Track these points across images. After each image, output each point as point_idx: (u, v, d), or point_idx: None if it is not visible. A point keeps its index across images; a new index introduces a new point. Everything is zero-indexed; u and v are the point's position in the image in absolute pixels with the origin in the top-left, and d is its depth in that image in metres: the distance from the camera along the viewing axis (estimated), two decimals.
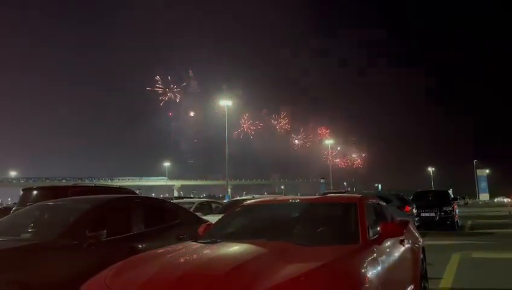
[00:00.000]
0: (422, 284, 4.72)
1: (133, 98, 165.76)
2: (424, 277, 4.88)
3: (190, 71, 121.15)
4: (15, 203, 13.36)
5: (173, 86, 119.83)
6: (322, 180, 78.04)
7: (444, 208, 15.35)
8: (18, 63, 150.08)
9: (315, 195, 8.20)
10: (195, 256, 3.11)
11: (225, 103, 43.53)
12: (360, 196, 4.21)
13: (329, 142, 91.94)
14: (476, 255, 8.71)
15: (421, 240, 5.17)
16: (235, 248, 3.19)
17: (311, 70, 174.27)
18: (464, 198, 52.67)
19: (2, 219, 5.03)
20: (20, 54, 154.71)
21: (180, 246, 3.49)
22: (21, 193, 9.06)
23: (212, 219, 5.84)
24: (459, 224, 16.43)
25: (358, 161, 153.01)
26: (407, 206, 12.73)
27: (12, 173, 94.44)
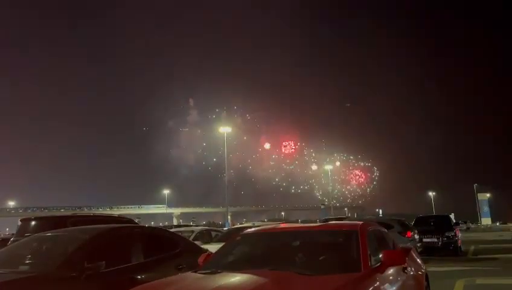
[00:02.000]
0: None
1: (132, 126, 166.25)
2: None
3: (190, 100, 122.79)
4: (13, 234, 13.23)
5: (172, 115, 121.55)
6: (322, 206, 77.42)
7: (447, 233, 15.19)
8: (15, 93, 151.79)
9: (316, 222, 8.13)
10: (195, 287, 3.06)
11: (225, 129, 43.74)
12: (362, 222, 4.18)
13: (329, 167, 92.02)
14: (480, 281, 8.58)
15: (424, 267, 5.11)
16: (236, 279, 3.15)
17: (305, 94, 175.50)
18: (465, 222, 52.22)
19: None
20: (18, 84, 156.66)
21: (180, 277, 3.45)
22: (19, 223, 8.99)
23: (212, 247, 5.78)
24: (462, 249, 16.24)
25: (363, 180, 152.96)
26: (408, 232, 12.62)
27: (11, 203, 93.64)
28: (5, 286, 3.48)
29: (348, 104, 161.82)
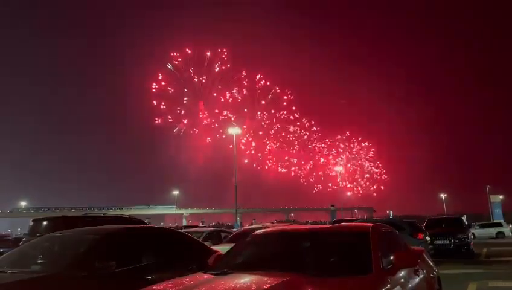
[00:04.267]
0: None
1: (141, 127, 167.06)
2: None
3: (201, 103, 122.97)
4: (25, 234, 13.38)
5: (183, 119, 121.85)
6: (332, 208, 76.89)
7: (459, 236, 15.03)
8: (20, 99, 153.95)
9: (326, 223, 8.08)
10: (206, 288, 3.05)
11: (234, 131, 43.75)
12: (373, 224, 4.14)
13: (338, 168, 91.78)
14: (493, 284, 8.46)
15: (436, 269, 5.05)
16: (246, 280, 3.14)
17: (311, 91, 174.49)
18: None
19: (12, 250, 5.03)
20: (25, 91, 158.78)
21: (191, 278, 3.44)
22: (31, 223, 9.10)
23: (222, 248, 5.78)
24: (475, 252, 16.05)
25: (374, 186, 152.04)
26: (420, 234, 12.50)
27: (23, 203, 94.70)
28: (17, 285, 3.50)
29: (343, 101, 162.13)
